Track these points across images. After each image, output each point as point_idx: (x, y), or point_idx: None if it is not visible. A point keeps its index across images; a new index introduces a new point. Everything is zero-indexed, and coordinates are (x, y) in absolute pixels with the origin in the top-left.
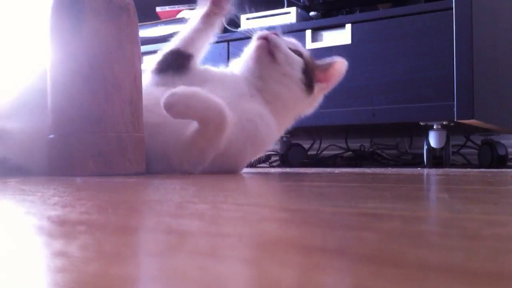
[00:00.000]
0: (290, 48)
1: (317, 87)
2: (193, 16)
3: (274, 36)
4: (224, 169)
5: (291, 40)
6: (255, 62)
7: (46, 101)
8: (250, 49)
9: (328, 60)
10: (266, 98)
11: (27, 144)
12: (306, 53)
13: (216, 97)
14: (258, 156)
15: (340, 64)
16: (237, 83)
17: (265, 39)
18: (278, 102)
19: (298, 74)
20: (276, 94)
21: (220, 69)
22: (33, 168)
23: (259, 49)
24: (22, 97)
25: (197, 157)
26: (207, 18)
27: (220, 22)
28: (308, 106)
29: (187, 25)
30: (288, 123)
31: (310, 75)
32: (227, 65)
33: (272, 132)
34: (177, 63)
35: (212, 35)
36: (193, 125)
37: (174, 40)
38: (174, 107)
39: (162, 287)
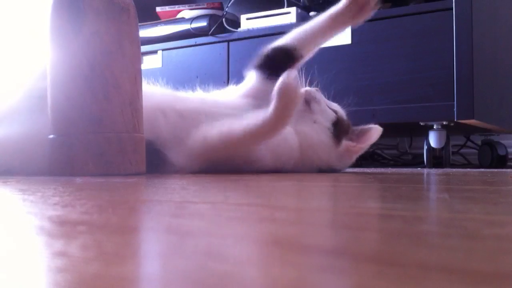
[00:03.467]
0: (327, 105)
1: (345, 142)
2: (327, 12)
3: (313, 90)
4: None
5: (331, 102)
6: None
7: (36, 104)
8: None
9: (364, 126)
10: (297, 135)
11: (18, 147)
12: (342, 115)
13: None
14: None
15: (377, 131)
16: None
17: (305, 91)
18: (305, 142)
19: (327, 124)
20: (305, 135)
21: None
22: (23, 170)
23: None
24: (15, 99)
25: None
26: (340, 18)
27: (350, 26)
28: (334, 158)
29: (313, 21)
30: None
31: (340, 129)
32: (226, 66)
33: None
34: (283, 65)
35: (333, 37)
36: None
37: (291, 34)
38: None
39: (162, 287)
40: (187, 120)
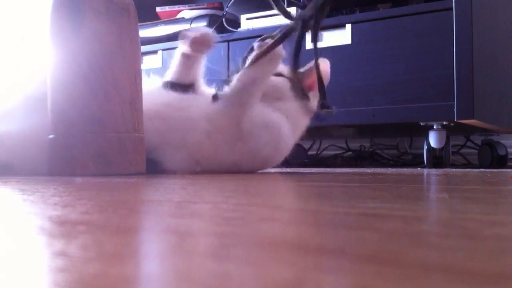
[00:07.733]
0: (276, 74)
1: (311, 94)
2: (176, 52)
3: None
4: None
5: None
6: None
7: (36, 104)
8: None
9: (309, 64)
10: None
11: (18, 145)
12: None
13: None
14: (278, 162)
15: (322, 65)
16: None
17: None
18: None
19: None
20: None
21: None
22: (23, 169)
23: None
24: (15, 99)
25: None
26: (188, 58)
27: (203, 57)
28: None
29: (174, 60)
30: (300, 131)
31: (300, 88)
32: (226, 66)
33: (290, 140)
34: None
35: (201, 63)
36: None
37: (168, 73)
38: None
39: (162, 287)
40: (169, 122)
